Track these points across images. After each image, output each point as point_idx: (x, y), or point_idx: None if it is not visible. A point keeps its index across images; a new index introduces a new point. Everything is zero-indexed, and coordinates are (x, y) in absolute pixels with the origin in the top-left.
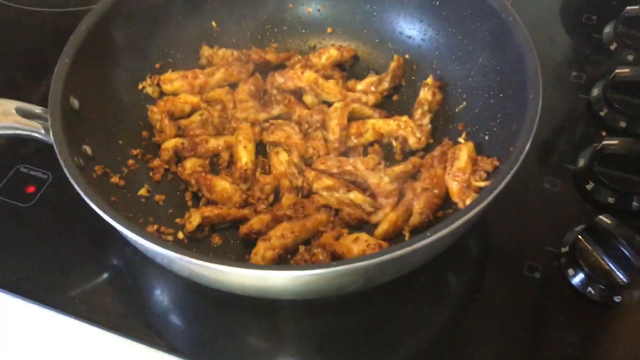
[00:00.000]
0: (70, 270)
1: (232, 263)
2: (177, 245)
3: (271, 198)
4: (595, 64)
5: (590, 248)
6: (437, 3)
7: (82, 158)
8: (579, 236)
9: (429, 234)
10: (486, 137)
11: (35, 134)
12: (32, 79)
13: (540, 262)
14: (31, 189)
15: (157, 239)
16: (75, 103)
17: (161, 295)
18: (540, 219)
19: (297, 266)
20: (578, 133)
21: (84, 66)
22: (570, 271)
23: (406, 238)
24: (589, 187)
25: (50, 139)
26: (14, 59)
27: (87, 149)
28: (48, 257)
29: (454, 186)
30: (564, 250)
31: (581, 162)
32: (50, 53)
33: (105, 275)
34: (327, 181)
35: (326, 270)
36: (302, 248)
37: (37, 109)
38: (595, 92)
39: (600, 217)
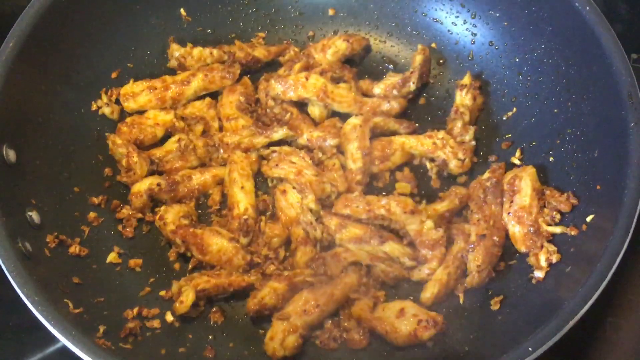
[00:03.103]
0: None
1: None
2: (167, 334)
3: (281, 253)
4: None
5: None
6: None
7: (28, 234)
8: None
9: (531, 349)
10: (550, 159)
11: None
12: None
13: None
14: None
15: None
16: (11, 154)
17: None
18: None
19: None
20: None
21: (15, 96)
22: None
23: (461, 301)
24: None
25: None
26: None
27: (33, 215)
28: None
29: (517, 231)
30: None
31: None
32: None
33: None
34: (355, 230)
35: None
36: (329, 322)
37: None
38: None
39: None
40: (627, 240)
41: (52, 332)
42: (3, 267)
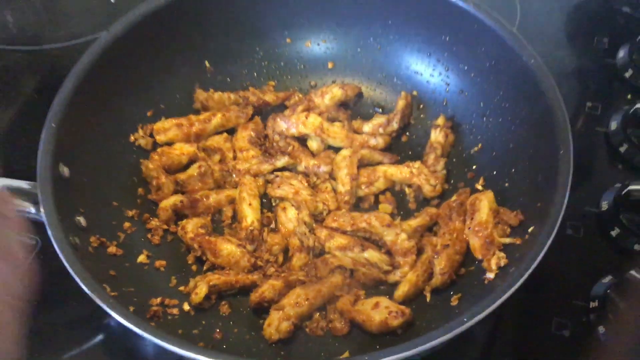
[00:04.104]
0: (62, 333)
1: None
2: (184, 319)
3: (280, 258)
4: (610, 92)
5: (621, 305)
6: (448, 38)
7: (77, 233)
8: (609, 291)
9: (465, 319)
10: (506, 185)
11: (26, 215)
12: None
13: (569, 317)
14: None
15: (168, 336)
16: (65, 170)
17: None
18: (565, 269)
19: None
20: (598, 171)
21: (72, 125)
22: (601, 328)
23: (427, 299)
24: (614, 233)
25: (41, 216)
26: None
27: (81, 220)
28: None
29: (475, 242)
30: (593, 305)
31: (604, 206)
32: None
33: (99, 338)
34: (341, 240)
35: None
36: (317, 314)
37: (25, 185)
38: (614, 125)
39: (631, 272)
40: (549, 241)
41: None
42: (59, 252)
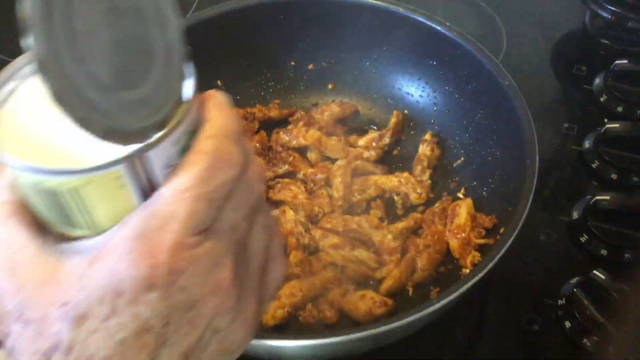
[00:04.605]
0: None
1: None
2: None
3: None
4: (586, 114)
5: (585, 302)
6: (435, 63)
7: None
8: (575, 289)
9: (435, 300)
10: (484, 194)
11: None
12: None
13: (539, 314)
14: None
15: None
16: None
17: None
18: (538, 271)
19: (306, 335)
20: (571, 185)
21: None
22: (567, 323)
23: (410, 293)
24: (583, 239)
25: None
26: None
27: None
28: None
29: (454, 243)
30: (560, 302)
31: (575, 215)
32: None
33: None
34: (333, 239)
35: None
36: (309, 304)
37: None
38: (587, 144)
39: (595, 272)
40: (513, 236)
41: None
42: None
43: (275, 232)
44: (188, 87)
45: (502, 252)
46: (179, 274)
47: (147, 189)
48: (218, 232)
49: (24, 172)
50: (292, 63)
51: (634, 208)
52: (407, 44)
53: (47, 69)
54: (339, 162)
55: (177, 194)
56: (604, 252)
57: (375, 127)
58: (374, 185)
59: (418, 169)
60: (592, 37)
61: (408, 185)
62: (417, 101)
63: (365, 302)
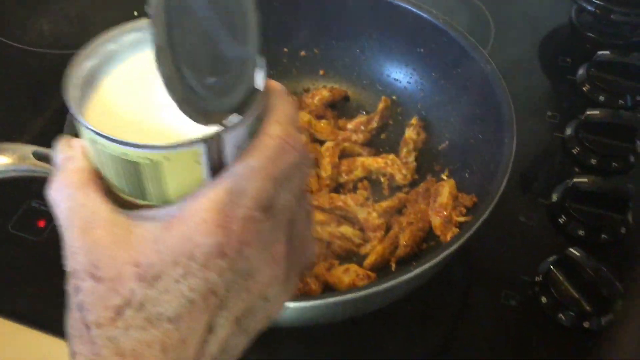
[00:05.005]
0: None
1: None
2: None
3: None
4: (569, 104)
5: (560, 278)
6: (422, 50)
7: None
8: (551, 266)
9: (412, 268)
10: (467, 175)
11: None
12: (34, 118)
13: (516, 290)
14: (42, 224)
15: None
16: None
17: None
18: (517, 250)
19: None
20: (552, 170)
21: None
22: (543, 299)
23: (392, 268)
24: (562, 220)
25: None
26: (17, 99)
27: None
28: (59, 287)
29: (436, 221)
30: (537, 279)
31: (554, 198)
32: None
33: None
34: (320, 216)
35: (316, 303)
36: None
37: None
38: (569, 131)
39: (570, 249)
40: (488, 211)
41: None
42: None
43: (312, 216)
44: (260, 76)
45: (479, 223)
46: (246, 244)
47: (217, 167)
48: (277, 209)
49: (113, 144)
50: (285, 50)
51: (610, 190)
52: (396, 32)
53: (162, 57)
54: (327, 144)
55: (249, 173)
56: (581, 232)
57: (364, 112)
58: (361, 166)
59: (404, 151)
60: (578, 30)
61: (394, 166)
62: (405, 87)
63: (349, 275)
